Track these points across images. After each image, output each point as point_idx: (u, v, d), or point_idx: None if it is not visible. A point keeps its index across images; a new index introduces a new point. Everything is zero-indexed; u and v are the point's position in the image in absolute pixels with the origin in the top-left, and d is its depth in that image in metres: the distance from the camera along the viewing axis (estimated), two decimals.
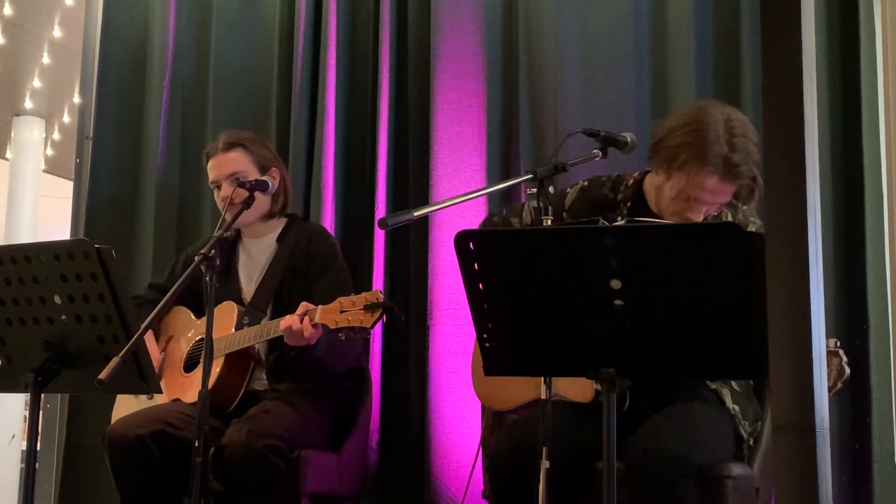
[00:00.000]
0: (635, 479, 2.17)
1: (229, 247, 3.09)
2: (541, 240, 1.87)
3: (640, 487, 2.17)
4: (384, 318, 2.51)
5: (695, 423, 2.31)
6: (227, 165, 3.01)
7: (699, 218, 2.42)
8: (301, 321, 2.60)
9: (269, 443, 2.59)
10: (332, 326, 2.53)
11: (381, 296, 2.48)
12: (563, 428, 2.16)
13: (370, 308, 2.47)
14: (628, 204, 2.56)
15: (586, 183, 2.67)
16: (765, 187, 1.35)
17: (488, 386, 2.63)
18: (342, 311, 2.52)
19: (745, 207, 2.53)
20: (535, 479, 2.08)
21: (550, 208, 2.19)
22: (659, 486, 2.15)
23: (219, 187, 3.03)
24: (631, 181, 2.59)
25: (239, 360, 2.84)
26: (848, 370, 2.04)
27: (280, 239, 3.06)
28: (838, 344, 2.03)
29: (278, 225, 3.10)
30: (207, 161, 3.08)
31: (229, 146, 3.03)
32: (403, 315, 2.95)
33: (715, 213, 2.50)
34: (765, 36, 1.30)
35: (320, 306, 2.58)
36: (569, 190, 2.67)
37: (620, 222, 2.46)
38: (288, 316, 2.64)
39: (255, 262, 3.07)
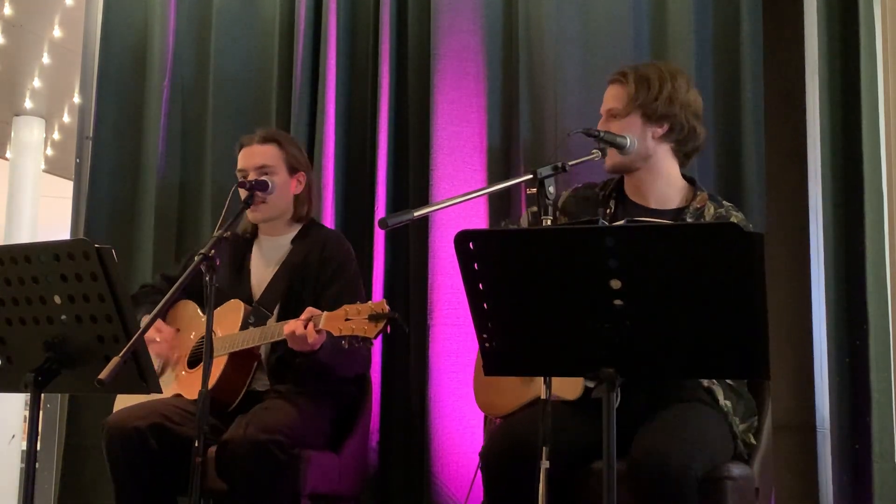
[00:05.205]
0: (636, 481, 2.17)
1: (244, 243, 3.10)
2: (541, 240, 1.87)
3: (640, 490, 2.17)
4: (388, 329, 2.50)
5: (695, 425, 2.31)
6: (257, 157, 3.02)
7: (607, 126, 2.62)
8: (305, 327, 2.60)
9: (271, 437, 2.59)
10: (336, 334, 2.53)
11: (387, 307, 2.48)
12: (553, 427, 2.16)
13: (374, 318, 2.47)
14: (613, 194, 2.71)
15: (579, 186, 2.83)
16: (766, 187, 1.35)
17: (488, 394, 2.65)
18: (346, 319, 2.51)
19: (727, 203, 2.63)
20: (528, 478, 2.08)
21: (550, 208, 2.20)
22: (660, 488, 2.15)
23: (245, 176, 3.03)
24: (616, 181, 2.78)
25: (242, 360, 2.84)
26: None
27: (295, 241, 3.06)
28: None
29: (296, 227, 3.10)
30: (240, 149, 3.08)
31: (264, 139, 3.05)
32: (407, 327, 2.95)
33: (699, 206, 2.59)
34: (767, 37, 1.30)
35: (325, 312, 2.57)
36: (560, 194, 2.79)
37: (619, 222, 2.47)
38: (292, 321, 2.63)
39: (267, 260, 3.07)
